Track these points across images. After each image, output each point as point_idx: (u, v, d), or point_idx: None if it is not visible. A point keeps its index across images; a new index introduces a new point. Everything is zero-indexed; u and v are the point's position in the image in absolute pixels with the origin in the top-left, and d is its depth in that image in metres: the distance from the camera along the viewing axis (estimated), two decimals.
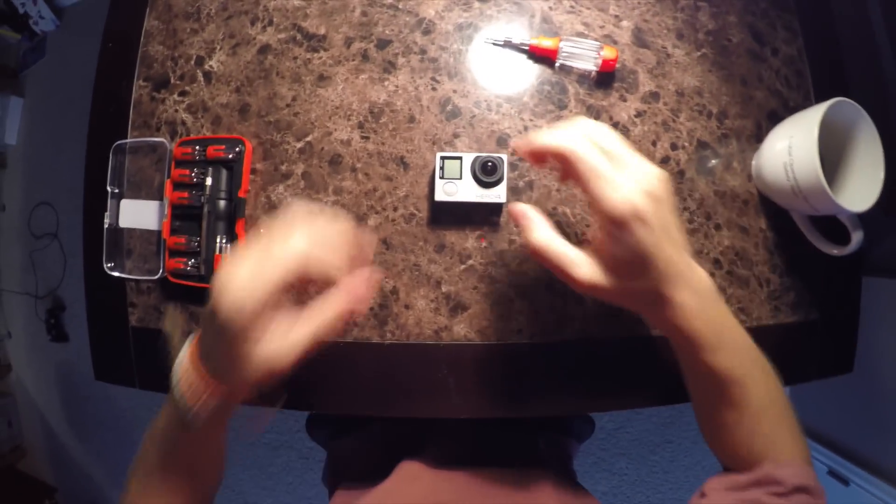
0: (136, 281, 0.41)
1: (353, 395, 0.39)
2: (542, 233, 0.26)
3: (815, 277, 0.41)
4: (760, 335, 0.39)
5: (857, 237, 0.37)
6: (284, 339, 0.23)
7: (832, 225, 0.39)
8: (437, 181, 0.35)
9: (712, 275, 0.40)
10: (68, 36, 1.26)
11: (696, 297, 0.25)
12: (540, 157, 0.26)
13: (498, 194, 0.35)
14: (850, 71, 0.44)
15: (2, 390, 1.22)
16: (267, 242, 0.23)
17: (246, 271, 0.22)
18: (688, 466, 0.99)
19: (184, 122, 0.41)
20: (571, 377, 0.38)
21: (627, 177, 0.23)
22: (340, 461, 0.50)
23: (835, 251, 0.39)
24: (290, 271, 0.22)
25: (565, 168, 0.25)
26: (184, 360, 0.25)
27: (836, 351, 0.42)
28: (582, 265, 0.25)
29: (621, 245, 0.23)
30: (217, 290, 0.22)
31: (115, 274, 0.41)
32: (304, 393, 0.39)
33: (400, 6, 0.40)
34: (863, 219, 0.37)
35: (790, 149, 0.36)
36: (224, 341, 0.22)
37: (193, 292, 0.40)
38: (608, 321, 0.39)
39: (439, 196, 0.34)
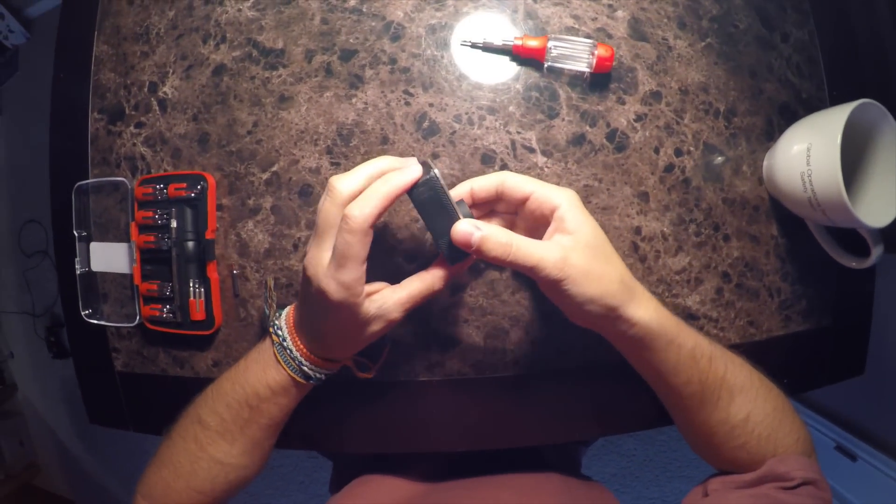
0: (116, 327, 0.33)
1: (346, 433, 0.31)
2: (498, 247, 0.20)
3: (828, 282, 0.32)
4: (770, 347, 0.30)
5: (877, 251, 0.28)
6: (392, 294, 0.22)
7: (849, 231, 0.29)
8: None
9: (720, 289, 0.31)
10: (40, 47, 1.04)
11: (643, 287, 0.23)
12: (481, 204, 0.23)
13: None
14: (864, 55, 0.33)
15: (10, 410, 1.10)
16: (328, 222, 0.21)
17: (333, 263, 0.20)
18: None
19: (143, 157, 0.32)
20: (574, 404, 0.30)
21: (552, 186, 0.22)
22: (346, 475, 0.42)
23: (853, 264, 0.29)
24: (368, 241, 0.20)
25: (503, 205, 0.23)
26: (294, 347, 0.24)
27: (848, 355, 0.33)
28: (546, 266, 0.20)
29: (577, 234, 0.21)
30: (317, 280, 0.21)
31: (93, 321, 0.33)
32: (297, 432, 0.30)
33: (364, 9, 0.29)
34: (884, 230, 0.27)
35: (809, 158, 0.26)
36: (346, 320, 0.21)
37: (174, 338, 0.31)
38: (610, 346, 0.29)
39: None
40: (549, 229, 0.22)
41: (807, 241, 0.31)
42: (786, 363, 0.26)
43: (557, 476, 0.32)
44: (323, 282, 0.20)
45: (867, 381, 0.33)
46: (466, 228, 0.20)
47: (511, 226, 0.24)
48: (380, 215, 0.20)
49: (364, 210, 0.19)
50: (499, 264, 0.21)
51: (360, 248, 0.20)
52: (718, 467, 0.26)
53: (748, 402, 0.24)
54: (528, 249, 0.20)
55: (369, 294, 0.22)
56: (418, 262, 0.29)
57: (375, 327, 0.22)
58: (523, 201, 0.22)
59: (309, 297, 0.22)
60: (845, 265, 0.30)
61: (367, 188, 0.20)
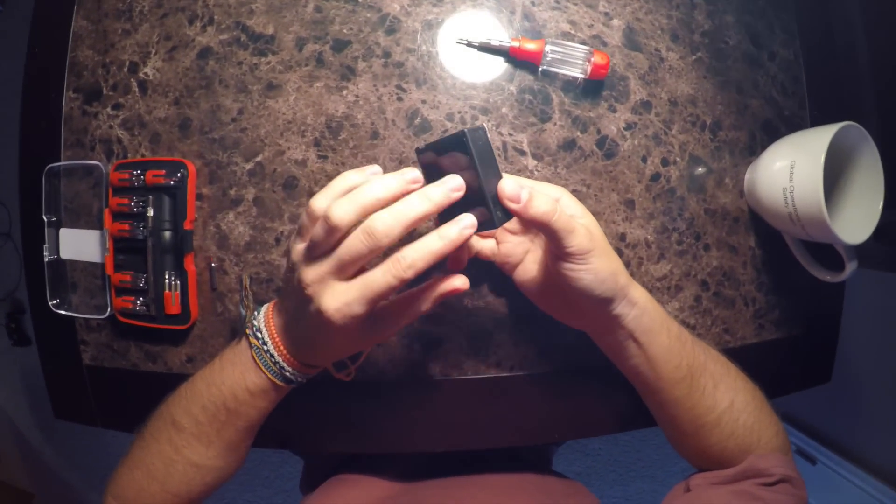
0: (85, 318, 0.31)
1: (323, 433, 0.30)
2: (545, 204, 0.19)
3: (800, 293, 0.33)
4: (743, 354, 0.31)
5: (851, 266, 0.28)
6: (390, 314, 0.21)
7: (824, 246, 0.30)
8: None
9: (699, 297, 0.31)
10: (13, 19, 0.94)
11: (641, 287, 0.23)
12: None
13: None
14: (844, 78, 0.34)
15: None
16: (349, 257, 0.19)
17: (351, 288, 0.19)
18: (658, 446, 0.91)
19: (119, 140, 0.30)
20: (552, 407, 0.30)
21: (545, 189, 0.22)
22: (318, 474, 0.41)
23: (828, 277, 0.30)
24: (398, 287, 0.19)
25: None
26: (276, 352, 0.23)
27: (816, 363, 0.34)
28: (580, 234, 0.20)
29: (585, 219, 0.22)
30: (321, 303, 0.19)
31: (61, 312, 0.31)
32: (272, 432, 0.29)
33: (359, 0, 0.28)
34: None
35: (791, 175, 0.26)
36: (340, 343, 0.21)
37: (147, 331, 0.29)
38: (591, 349, 0.29)
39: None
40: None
41: (782, 254, 0.32)
42: (758, 370, 0.26)
43: (534, 475, 0.32)
44: (329, 307, 0.19)
45: (828, 387, 0.34)
46: (514, 185, 0.19)
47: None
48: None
49: (418, 263, 0.18)
50: (536, 226, 0.20)
51: (389, 289, 0.19)
52: (703, 464, 0.26)
53: (730, 389, 0.24)
54: (568, 217, 0.20)
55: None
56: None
57: (363, 343, 0.22)
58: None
59: (302, 313, 0.20)
60: (820, 278, 0.30)
61: (426, 240, 0.19)
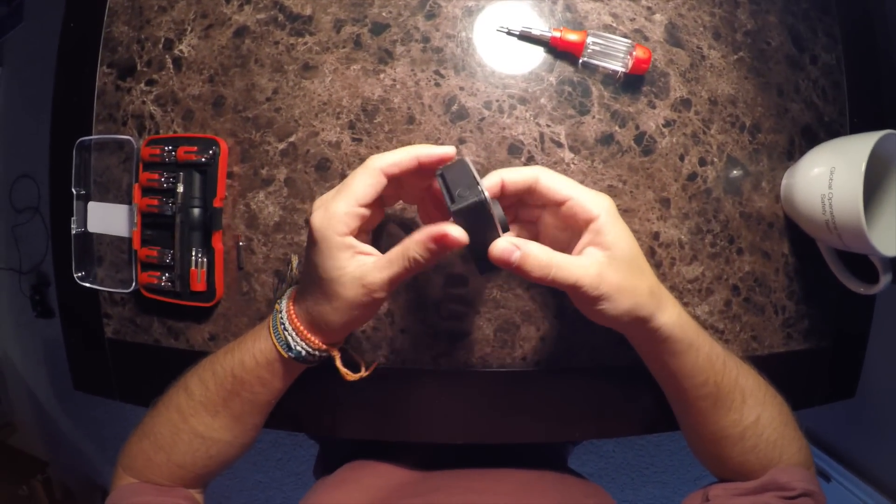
0: (110, 292, 0.30)
1: (343, 416, 0.29)
2: (538, 268, 0.19)
3: (830, 304, 0.32)
4: (770, 363, 0.30)
5: (886, 279, 0.27)
6: (379, 260, 0.20)
7: (858, 256, 0.28)
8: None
9: (729, 302, 0.30)
10: None
11: (668, 292, 0.22)
12: (509, 195, 0.21)
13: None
14: (886, 86, 0.33)
15: None
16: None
17: (333, 194, 0.20)
18: (671, 451, 0.88)
19: (152, 116, 0.29)
20: (576, 404, 0.29)
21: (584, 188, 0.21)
22: (333, 459, 0.41)
23: (861, 289, 0.29)
24: (374, 184, 0.19)
25: (533, 198, 0.21)
26: (285, 310, 0.23)
27: (842, 378, 0.33)
28: (584, 285, 0.19)
29: (613, 250, 0.20)
30: (309, 215, 0.20)
31: (86, 285, 0.30)
32: (291, 413, 0.29)
33: None
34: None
35: (831, 181, 0.25)
36: (322, 260, 0.20)
37: (171, 307, 0.29)
38: (618, 349, 0.28)
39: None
40: (583, 240, 0.20)
41: (815, 263, 0.30)
42: (783, 380, 0.25)
43: (553, 473, 0.31)
44: (314, 214, 0.20)
45: (847, 404, 0.33)
46: (505, 247, 0.19)
47: (536, 219, 0.23)
48: (397, 171, 0.19)
49: (385, 157, 0.19)
50: (534, 282, 0.20)
51: (363, 184, 0.19)
52: (723, 475, 0.25)
53: (758, 404, 0.23)
54: (568, 269, 0.19)
55: (356, 251, 0.20)
56: None
57: (351, 292, 0.20)
58: (557, 203, 0.21)
59: (306, 247, 0.21)
60: (853, 290, 0.29)
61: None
